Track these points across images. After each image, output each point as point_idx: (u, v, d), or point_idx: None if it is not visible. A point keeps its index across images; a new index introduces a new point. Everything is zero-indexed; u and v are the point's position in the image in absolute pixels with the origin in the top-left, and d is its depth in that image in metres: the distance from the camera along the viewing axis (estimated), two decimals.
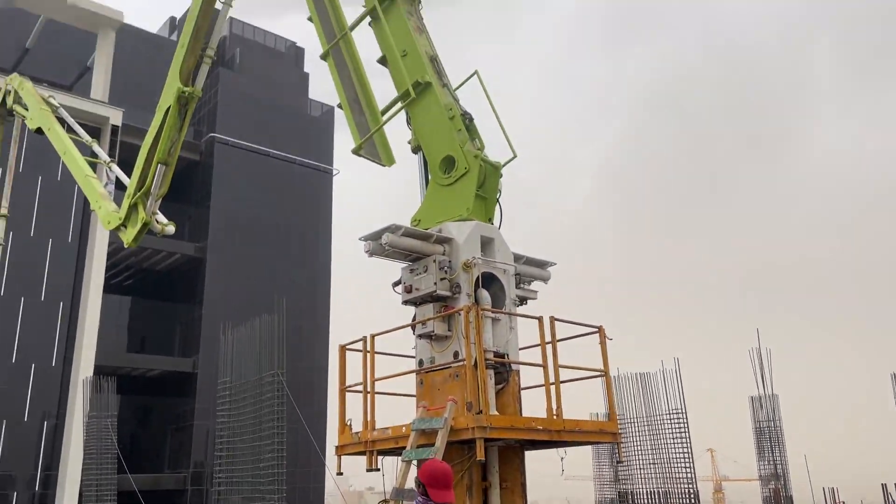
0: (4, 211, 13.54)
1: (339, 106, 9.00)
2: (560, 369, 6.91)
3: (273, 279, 30.81)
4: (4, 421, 23.15)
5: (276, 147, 33.67)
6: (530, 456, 7.24)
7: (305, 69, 38.24)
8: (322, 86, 43.04)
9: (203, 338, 28.56)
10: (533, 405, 7.25)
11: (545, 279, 8.30)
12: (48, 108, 12.21)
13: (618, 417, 7.90)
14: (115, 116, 26.94)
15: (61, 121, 12.04)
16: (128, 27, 30.77)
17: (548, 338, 6.93)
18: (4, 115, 13.68)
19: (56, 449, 23.97)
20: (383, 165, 8.98)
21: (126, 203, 8.71)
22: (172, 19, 38.34)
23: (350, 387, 7.58)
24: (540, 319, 6.99)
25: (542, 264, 8.30)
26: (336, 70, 8.98)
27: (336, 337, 33.38)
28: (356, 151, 8.67)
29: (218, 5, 8.70)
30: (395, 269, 7.86)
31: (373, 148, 8.87)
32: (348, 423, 7.41)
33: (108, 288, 27.38)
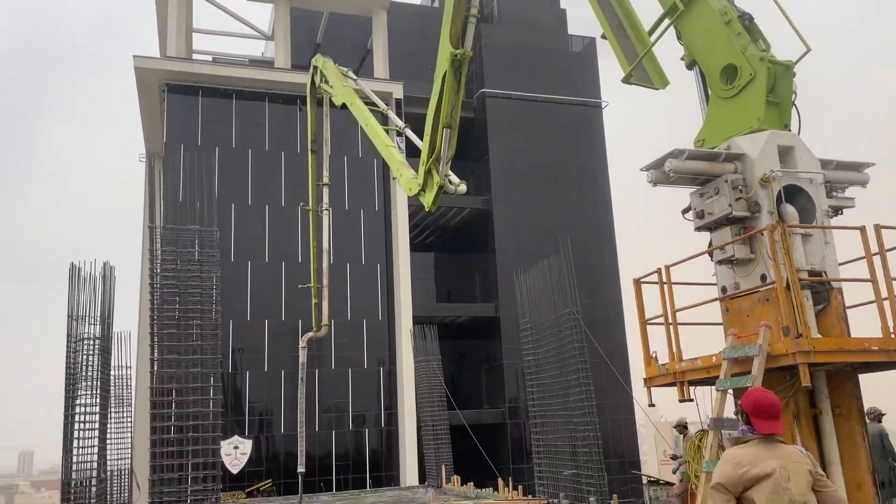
0: (326, 180, 15.34)
1: (603, 36, 8.74)
2: (894, 282, 6.08)
3: (557, 220, 31.41)
4: (350, 370, 27.14)
5: (543, 90, 33.91)
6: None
7: (562, 6, 37.65)
8: (580, 18, 42.00)
9: (500, 283, 30.31)
10: (860, 326, 6.51)
11: (863, 183, 7.30)
12: (349, 83, 13.48)
13: None
14: (397, 90, 29.30)
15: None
16: (396, 5, 33.03)
17: (874, 249, 6.13)
18: (315, 94, 15.25)
19: (393, 391, 27.50)
20: (657, 89, 8.57)
21: (422, 170, 9.37)
22: None
23: (650, 320, 7.50)
24: (862, 229, 6.20)
25: (856, 167, 7.30)
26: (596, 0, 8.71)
27: (626, 271, 33.12)
28: (626, 80, 8.38)
29: None
30: (682, 195, 7.51)
31: (643, 73, 8.49)
32: (653, 356, 7.37)
33: (413, 247, 30.32)
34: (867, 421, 10.52)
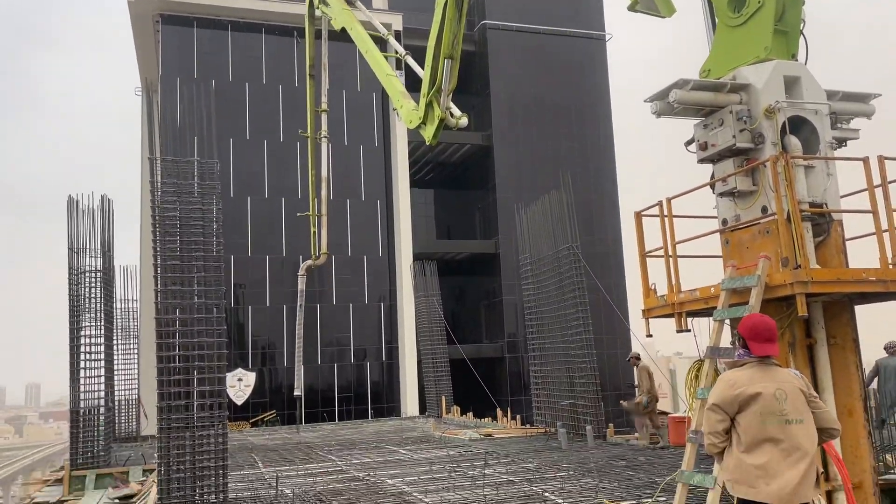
0: (325, 106, 14.96)
1: None
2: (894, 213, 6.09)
3: (558, 156, 31.18)
4: (351, 305, 27.41)
5: (546, 22, 33.15)
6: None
7: None
8: None
9: (500, 219, 30.32)
10: (859, 257, 6.55)
11: (868, 114, 7.23)
12: (348, 6, 12.98)
13: None
14: (396, 21, 28.60)
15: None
16: None
17: (876, 180, 6.11)
18: (314, 17, 14.59)
19: (393, 326, 27.86)
20: (663, 17, 8.40)
21: (422, 102, 9.20)
22: None
23: (650, 252, 7.54)
24: (865, 160, 6.17)
25: (862, 98, 7.21)
26: None
27: (627, 206, 33.07)
28: (632, 7, 8.21)
29: None
30: (686, 128, 7.45)
31: (649, 0, 8.31)
32: (652, 287, 7.44)
33: (413, 183, 30.19)
34: (886, 354, 10.76)
